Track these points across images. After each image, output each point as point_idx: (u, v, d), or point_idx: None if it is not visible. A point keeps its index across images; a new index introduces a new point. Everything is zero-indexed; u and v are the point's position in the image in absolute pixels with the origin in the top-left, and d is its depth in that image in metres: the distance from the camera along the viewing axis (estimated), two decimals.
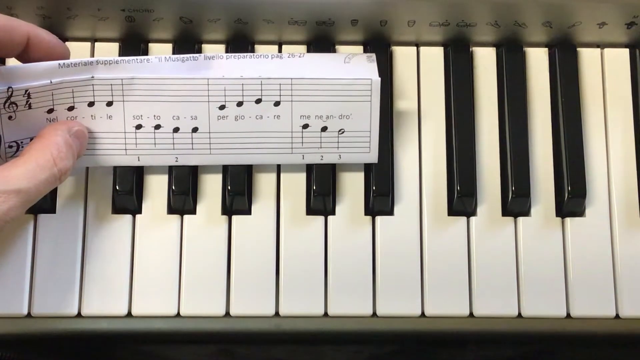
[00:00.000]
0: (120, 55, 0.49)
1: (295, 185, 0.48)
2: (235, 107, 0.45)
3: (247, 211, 0.48)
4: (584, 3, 0.47)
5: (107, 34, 0.49)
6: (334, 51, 0.50)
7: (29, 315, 0.46)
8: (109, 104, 0.45)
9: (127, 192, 0.47)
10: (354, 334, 0.48)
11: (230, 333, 0.47)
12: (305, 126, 0.46)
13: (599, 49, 0.51)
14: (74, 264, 0.46)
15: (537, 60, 0.50)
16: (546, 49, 0.50)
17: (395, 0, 0.46)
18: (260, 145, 0.46)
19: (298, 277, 0.47)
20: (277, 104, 0.45)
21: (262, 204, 0.48)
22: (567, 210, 0.48)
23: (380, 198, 0.47)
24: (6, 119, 0.44)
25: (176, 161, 0.46)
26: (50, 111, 0.44)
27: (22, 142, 0.45)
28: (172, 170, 0.47)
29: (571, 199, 0.47)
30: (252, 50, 0.50)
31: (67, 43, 0.49)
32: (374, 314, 0.47)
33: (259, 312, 0.47)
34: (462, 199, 0.47)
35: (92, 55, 0.50)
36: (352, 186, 0.48)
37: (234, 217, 0.48)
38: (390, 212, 0.48)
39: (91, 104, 0.45)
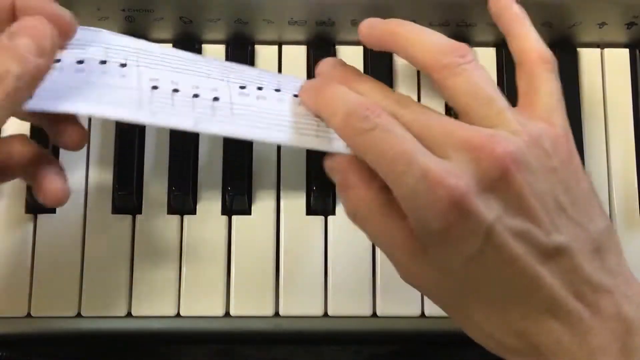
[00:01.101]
0: None
1: (295, 185, 0.48)
2: (256, 90, 0.43)
3: (247, 211, 0.48)
4: (584, 3, 0.47)
5: None
6: (334, 51, 0.50)
7: (29, 315, 0.46)
8: (123, 65, 0.41)
9: (127, 192, 0.47)
10: (354, 334, 0.48)
11: (230, 333, 0.47)
12: None
13: (599, 49, 0.51)
14: (73, 264, 0.47)
15: None
16: None
17: (395, 1, 0.46)
18: (283, 123, 0.42)
19: (298, 277, 0.47)
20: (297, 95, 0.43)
21: (262, 204, 0.48)
22: None
23: None
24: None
25: (195, 126, 0.40)
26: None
27: None
28: (172, 170, 0.47)
29: None
30: (252, 50, 0.50)
31: None
32: (374, 314, 0.47)
33: (259, 312, 0.47)
34: None
35: None
36: None
37: (234, 217, 0.48)
38: None
39: (103, 62, 0.41)
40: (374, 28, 0.42)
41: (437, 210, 0.34)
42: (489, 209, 0.35)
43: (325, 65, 0.44)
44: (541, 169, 0.36)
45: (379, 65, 0.49)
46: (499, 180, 0.35)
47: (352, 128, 0.37)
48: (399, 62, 0.50)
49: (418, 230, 0.36)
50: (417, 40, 0.40)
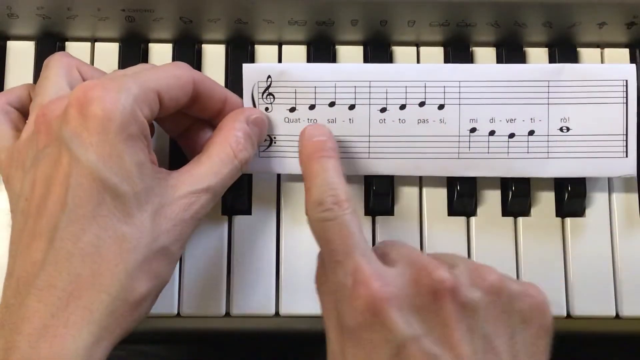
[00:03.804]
0: (120, 55, 0.49)
1: (295, 185, 0.48)
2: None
3: (247, 211, 0.48)
4: (584, 3, 0.47)
5: (107, 34, 0.49)
6: (335, 51, 0.50)
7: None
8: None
9: None
10: None
11: (230, 333, 0.47)
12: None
13: (599, 49, 0.51)
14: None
15: (537, 60, 0.50)
16: (546, 49, 0.50)
17: (395, 0, 0.46)
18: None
19: (298, 277, 0.47)
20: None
21: (262, 203, 0.48)
22: (567, 210, 0.48)
23: (380, 198, 0.47)
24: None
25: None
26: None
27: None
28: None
29: (571, 199, 0.48)
30: (252, 50, 0.50)
31: (67, 43, 0.50)
32: None
33: (259, 312, 0.47)
34: (462, 199, 0.47)
35: (92, 55, 0.50)
36: (352, 186, 0.48)
37: (234, 217, 0.48)
38: (390, 212, 0.48)
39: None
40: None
41: (353, 307, 0.35)
42: (407, 325, 0.35)
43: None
44: (488, 310, 0.36)
45: (380, 61, 0.49)
46: (430, 303, 0.35)
47: (317, 213, 0.39)
48: (399, 62, 0.50)
49: (340, 324, 0.37)
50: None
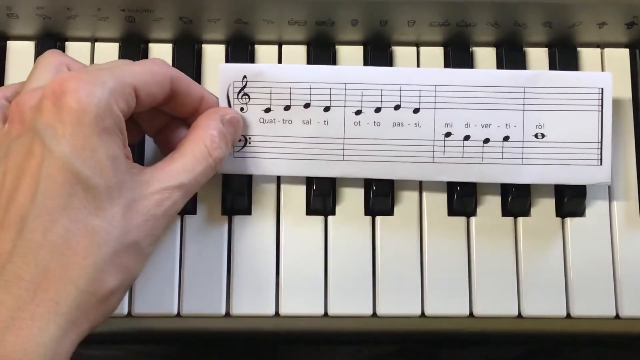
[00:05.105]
0: (120, 55, 0.49)
1: (295, 185, 0.48)
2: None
3: (247, 211, 0.48)
4: (584, 3, 0.47)
5: (107, 34, 0.49)
6: (335, 51, 0.50)
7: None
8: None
9: None
10: (354, 334, 0.48)
11: (230, 333, 0.47)
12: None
13: (599, 49, 0.51)
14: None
15: (537, 60, 0.50)
16: (546, 49, 0.50)
17: (395, 0, 0.46)
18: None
19: (298, 277, 0.47)
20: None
21: (262, 203, 0.48)
22: (567, 210, 0.48)
23: (380, 198, 0.47)
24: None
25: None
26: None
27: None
28: None
29: (571, 199, 0.47)
30: (252, 50, 0.50)
31: (67, 43, 0.50)
32: (374, 314, 0.47)
33: (259, 312, 0.47)
34: (462, 199, 0.47)
35: (92, 55, 0.50)
36: (352, 186, 0.48)
37: (234, 217, 0.48)
38: (390, 212, 0.48)
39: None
40: None
41: None
42: None
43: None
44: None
45: (380, 61, 0.49)
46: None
47: None
48: (399, 63, 0.50)
49: None
50: None
